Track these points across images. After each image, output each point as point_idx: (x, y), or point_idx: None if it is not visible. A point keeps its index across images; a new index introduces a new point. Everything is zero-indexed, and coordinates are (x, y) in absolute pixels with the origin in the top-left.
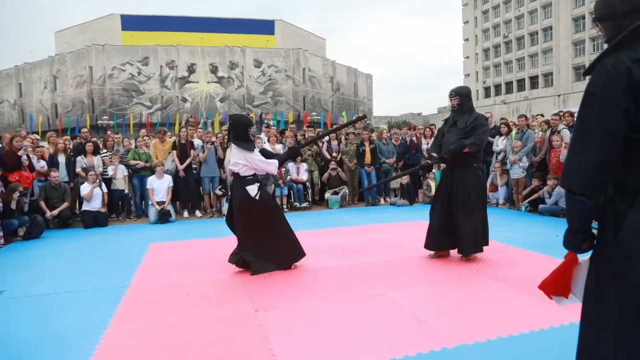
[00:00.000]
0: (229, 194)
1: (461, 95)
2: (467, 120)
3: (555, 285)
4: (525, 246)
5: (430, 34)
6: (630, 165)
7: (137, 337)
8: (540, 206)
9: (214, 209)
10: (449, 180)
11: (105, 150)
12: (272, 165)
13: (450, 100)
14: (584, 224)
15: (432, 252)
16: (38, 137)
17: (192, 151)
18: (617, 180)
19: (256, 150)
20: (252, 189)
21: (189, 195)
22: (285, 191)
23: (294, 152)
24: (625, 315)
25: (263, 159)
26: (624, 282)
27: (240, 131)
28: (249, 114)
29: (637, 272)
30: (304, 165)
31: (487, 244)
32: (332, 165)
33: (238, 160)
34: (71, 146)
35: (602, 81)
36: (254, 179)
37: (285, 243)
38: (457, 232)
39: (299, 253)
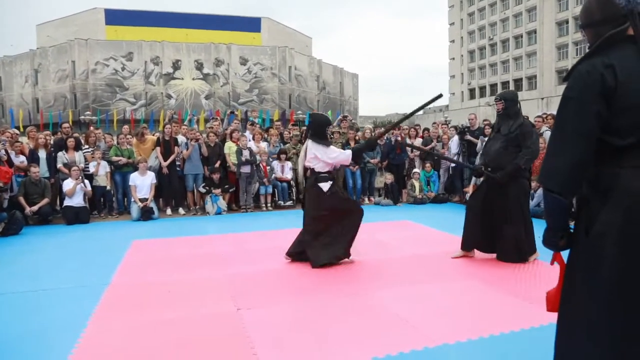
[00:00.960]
0: (210, 189)
1: (506, 100)
2: (511, 126)
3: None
4: None
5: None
6: (602, 166)
7: (117, 335)
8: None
9: (197, 207)
10: (496, 187)
11: (87, 146)
12: (345, 155)
13: (496, 104)
14: (561, 222)
15: (459, 252)
16: (17, 131)
17: (176, 148)
18: (590, 180)
19: (332, 147)
20: (325, 186)
21: (172, 192)
22: (270, 189)
23: (371, 143)
24: (598, 312)
25: (338, 151)
26: (596, 279)
27: (320, 129)
28: (234, 112)
29: (607, 269)
30: (289, 164)
31: (532, 252)
32: None
33: (317, 154)
34: (52, 141)
35: (577, 86)
36: (328, 176)
37: (348, 239)
38: (498, 239)
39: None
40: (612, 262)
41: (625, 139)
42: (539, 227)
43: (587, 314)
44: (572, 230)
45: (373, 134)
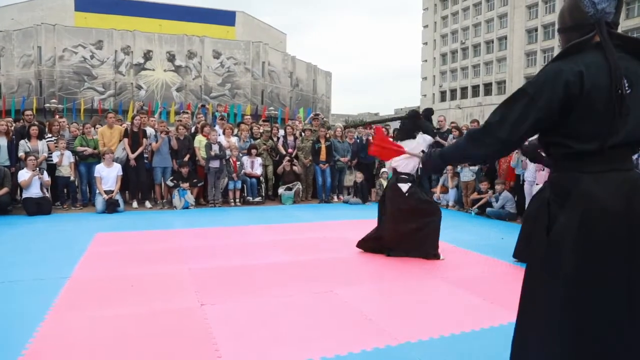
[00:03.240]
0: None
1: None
2: None
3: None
4: (472, 248)
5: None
6: (563, 170)
7: (75, 329)
8: (488, 209)
9: (164, 200)
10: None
11: (50, 135)
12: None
13: None
14: (443, 165)
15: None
16: None
17: (144, 140)
18: (552, 183)
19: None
20: (404, 186)
21: (139, 185)
22: (239, 185)
23: None
24: (556, 310)
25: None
26: (555, 277)
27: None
28: (205, 106)
29: (566, 267)
30: (259, 160)
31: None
32: (287, 159)
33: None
34: (13, 129)
35: (537, 84)
36: (408, 178)
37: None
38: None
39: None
40: (570, 263)
41: (587, 145)
42: (501, 229)
43: (546, 313)
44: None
45: (344, 132)
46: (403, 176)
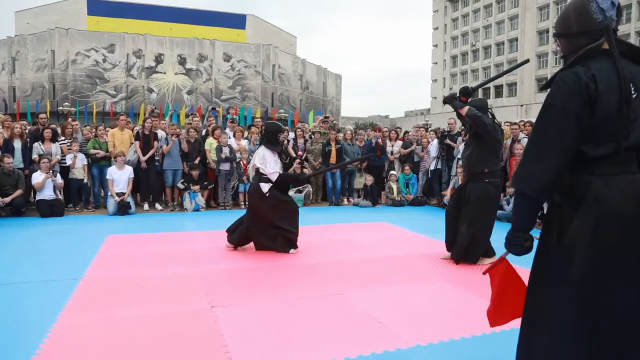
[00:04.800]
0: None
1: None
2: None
3: (500, 313)
4: None
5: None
6: (576, 174)
7: (87, 331)
8: (499, 212)
9: (175, 203)
10: (464, 191)
11: (63, 138)
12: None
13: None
14: (529, 224)
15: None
16: None
17: (155, 143)
18: (564, 187)
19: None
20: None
21: (150, 187)
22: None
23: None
24: (565, 314)
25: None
26: (565, 281)
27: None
28: (216, 108)
29: (577, 272)
30: None
31: (487, 256)
32: (298, 162)
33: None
34: (28, 132)
35: (560, 93)
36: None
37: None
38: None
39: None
40: (582, 266)
41: (600, 148)
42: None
43: (555, 316)
44: (537, 236)
45: (355, 135)
46: (264, 176)
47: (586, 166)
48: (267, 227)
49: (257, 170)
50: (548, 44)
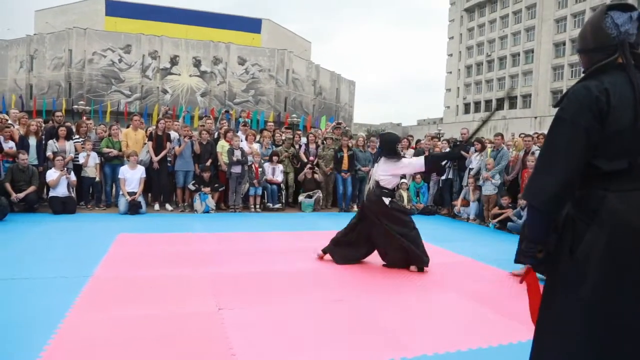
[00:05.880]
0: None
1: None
2: None
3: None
4: (491, 262)
5: (416, 47)
6: (589, 188)
7: (95, 328)
8: (509, 224)
9: (185, 204)
10: None
11: (77, 136)
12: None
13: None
14: (541, 236)
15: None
16: (7, 117)
17: (168, 144)
18: (577, 201)
19: (402, 159)
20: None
21: (161, 187)
22: (260, 191)
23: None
24: (574, 329)
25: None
26: (575, 297)
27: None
28: (229, 111)
29: (588, 289)
30: (280, 167)
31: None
32: (309, 167)
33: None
34: (43, 129)
35: (571, 107)
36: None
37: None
38: None
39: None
40: (594, 281)
41: (614, 163)
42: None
43: (565, 332)
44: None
45: (367, 142)
46: (384, 190)
47: (601, 181)
48: (394, 241)
49: (377, 183)
50: (564, 57)
